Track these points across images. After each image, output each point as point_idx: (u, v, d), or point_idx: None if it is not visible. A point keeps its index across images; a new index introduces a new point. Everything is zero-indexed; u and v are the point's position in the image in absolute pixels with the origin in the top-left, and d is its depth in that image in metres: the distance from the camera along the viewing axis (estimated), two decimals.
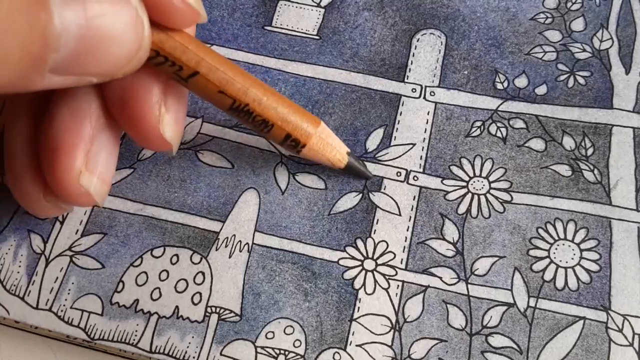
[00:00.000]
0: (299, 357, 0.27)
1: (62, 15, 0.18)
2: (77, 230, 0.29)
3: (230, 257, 0.29)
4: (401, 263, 0.28)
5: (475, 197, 0.30)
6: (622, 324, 0.27)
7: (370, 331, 0.27)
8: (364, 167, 0.30)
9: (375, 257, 0.29)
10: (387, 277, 0.28)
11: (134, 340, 0.27)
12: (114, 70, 0.21)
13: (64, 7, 0.18)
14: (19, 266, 0.29)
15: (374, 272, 0.28)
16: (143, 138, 0.25)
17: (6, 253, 0.29)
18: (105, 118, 0.25)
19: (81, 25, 0.19)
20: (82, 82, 0.20)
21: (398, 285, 0.28)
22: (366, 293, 0.28)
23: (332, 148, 0.29)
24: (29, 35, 0.18)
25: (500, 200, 0.30)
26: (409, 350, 0.27)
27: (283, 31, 0.34)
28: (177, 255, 0.29)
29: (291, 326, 0.27)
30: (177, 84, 0.25)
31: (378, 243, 0.29)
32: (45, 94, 0.25)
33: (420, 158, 0.31)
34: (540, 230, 0.29)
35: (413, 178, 0.30)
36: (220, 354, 0.27)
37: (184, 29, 0.24)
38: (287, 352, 0.27)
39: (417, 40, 0.34)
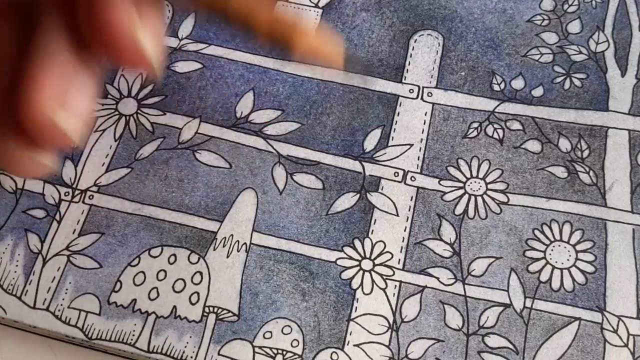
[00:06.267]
0: (296, 356, 0.27)
1: None
2: (75, 230, 0.29)
3: (228, 257, 0.29)
4: (398, 263, 0.29)
5: (472, 198, 0.30)
6: (617, 325, 0.27)
7: (368, 331, 0.27)
8: (362, 63, 0.25)
9: (372, 257, 0.29)
10: (384, 277, 0.28)
11: (131, 340, 0.27)
12: None
13: None
14: (16, 265, 0.29)
15: (372, 272, 0.28)
16: (118, 50, 0.21)
17: (3, 252, 0.29)
18: (77, 49, 0.23)
19: None
20: None
21: (395, 286, 0.28)
22: (364, 293, 0.28)
23: (326, 46, 0.22)
24: None
25: (497, 202, 0.30)
26: (406, 350, 0.27)
27: None
28: (174, 255, 0.29)
29: (289, 326, 0.27)
30: None
31: (375, 243, 0.29)
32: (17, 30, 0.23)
33: (418, 159, 0.31)
34: (537, 232, 0.29)
35: (410, 179, 0.30)
36: (218, 354, 0.27)
37: None
38: (284, 352, 0.27)
39: (415, 41, 0.34)
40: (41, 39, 0.22)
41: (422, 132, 0.31)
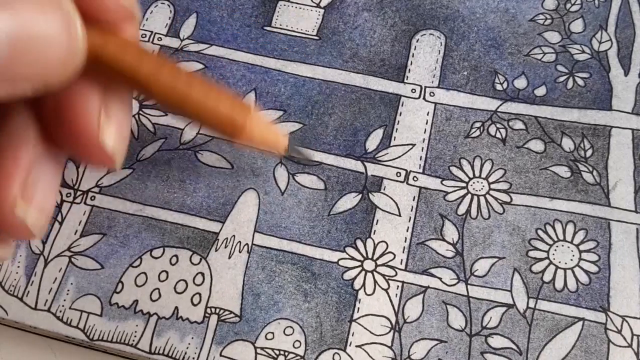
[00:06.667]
0: (298, 357, 0.27)
1: None
2: (76, 231, 0.29)
3: (229, 257, 0.29)
4: (401, 264, 0.28)
5: (475, 198, 0.30)
6: (621, 325, 0.27)
7: (370, 332, 0.27)
8: (304, 151, 0.26)
9: (375, 258, 0.29)
10: (386, 277, 0.28)
11: (133, 341, 0.27)
12: (48, 74, 0.20)
13: None
14: (18, 266, 0.29)
15: (374, 272, 0.28)
16: (81, 149, 0.23)
17: None
18: (44, 143, 0.24)
19: (12, 30, 0.18)
20: (16, 91, 0.20)
21: (398, 286, 0.28)
22: (366, 294, 0.28)
23: (273, 131, 0.25)
24: None
25: (500, 202, 0.30)
26: (408, 351, 0.27)
27: (282, 31, 0.34)
28: (176, 255, 0.29)
29: (291, 327, 0.27)
30: (119, 91, 0.24)
31: (378, 244, 0.29)
32: None
33: (420, 158, 0.31)
34: (540, 232, 0.29)
35: (413, 178, 0.30)
36: (220, 355, 0.27)
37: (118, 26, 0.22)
38: (286, 353, 0.27)
39: (417, 41, 0.34)
40: (8, 134, 0.22)
41: (425, 132, 0.31)
